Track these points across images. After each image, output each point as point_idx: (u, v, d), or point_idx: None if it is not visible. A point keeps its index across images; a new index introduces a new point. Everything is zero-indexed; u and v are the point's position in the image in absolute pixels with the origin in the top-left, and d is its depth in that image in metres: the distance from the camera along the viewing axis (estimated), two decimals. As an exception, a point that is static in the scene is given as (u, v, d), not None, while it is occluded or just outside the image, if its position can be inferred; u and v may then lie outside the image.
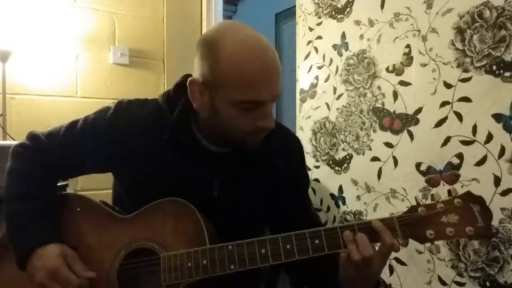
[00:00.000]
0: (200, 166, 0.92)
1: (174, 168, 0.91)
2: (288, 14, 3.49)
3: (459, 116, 1.25)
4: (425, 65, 1.35)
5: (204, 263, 0.80)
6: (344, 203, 1.63)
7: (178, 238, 0.85)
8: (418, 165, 1.36)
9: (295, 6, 1.90)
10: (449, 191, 0.78)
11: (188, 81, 0.86)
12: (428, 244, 0.78)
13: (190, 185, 0.90)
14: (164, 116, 0.92)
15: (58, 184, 1.00)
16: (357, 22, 1.58)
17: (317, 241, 0.79)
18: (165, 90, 2.40)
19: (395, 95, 1.44)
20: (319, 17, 1.75)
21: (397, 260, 1.42)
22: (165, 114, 0.92)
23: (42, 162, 0.93)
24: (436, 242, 0.76)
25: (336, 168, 1.66)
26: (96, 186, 1.24)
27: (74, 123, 0.97)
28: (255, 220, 0.98)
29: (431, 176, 1.32)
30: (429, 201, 0.79)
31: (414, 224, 0.77)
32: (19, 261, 0.85)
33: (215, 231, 0.87)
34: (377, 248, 0.79)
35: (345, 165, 1.63)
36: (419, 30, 1.36)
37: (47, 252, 0.84)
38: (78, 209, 0.95)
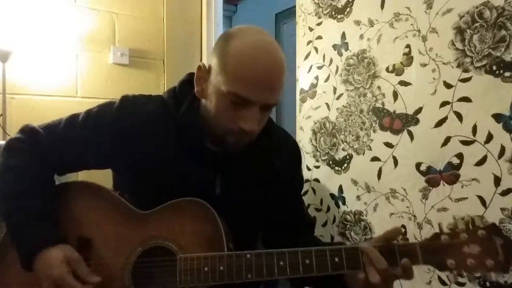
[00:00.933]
0: (203, 163, 0.92)
1: (178, 164, 0.90)
2: (288, 14, 3.49)
3: (459, 116, 1.25)
4: (425, 65, 1.35)
5: (221, 269, 0.79)
6: (344, 203, 1.63)
7: (196, 240, 0.84)
8: (418, 165, 1.36)
9: (295, 6, 1.89)
10: (472, 220, 0.77)
11: (198, 66, 0.88)
12: (446, 273, 0.77)
13: (192, 182, 0.90)
14: (169, 112, 0.92)
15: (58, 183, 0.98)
16: (357, 22, 1.58)
17: (337, 259, 0.78)
18: (165, 90, 2.39)
19: (395, 95, 1.44)
20: (319, 17, 1.75)
21: (397, 260, 1.42)
22: (170, 110, 0.92)
23: (40, 157, 0.91)
24: (455, 272, 0.75)
25: (336, 168, 1.66)
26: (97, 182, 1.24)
27: (75, 116, 0.94)
28: (253, 219, 0.98)
29: (431, 176, 1.32)
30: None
31: (436, 252, 0.76)
32: (23, 263, 0.84)
33: (232, 235, 0.86)
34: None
35: (345, 165, 1.63)
36: (419, 30, 1.36)
37: (50, 258, 0.82)
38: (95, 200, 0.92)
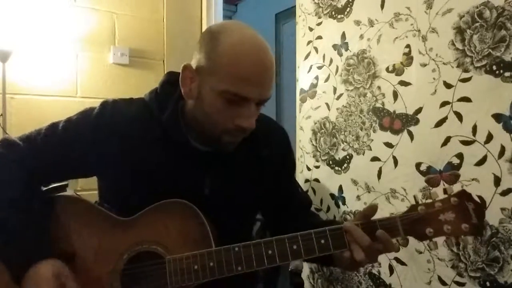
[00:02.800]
0: (190, 165, 0.91)
1: (164, 167, 0.89)
2: (288, 14, 3.49)
3: (459, 116, 1.25)
4: (425, 65, 1.35)
5: (211, 265, 0.80)
6: (344, 203, 1.63)
7: (182, 240, 0.84)
8: (418, 165, 1.36)
9: (295, 6, 1.89)
10: (444, 190, 0.81)
11: (182, 66, 0.86)
12: (426, 241, 0.81)
13: (180, 184, 0.88)
14: (152, 115, 0.90)
15: (58, 184, 0.96)
16: (357, 22, 1.58)
17: (323, 241, 0.80)
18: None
19: (395, 95, 1.44)
20: (319, 17, 1.75)
21: (397, 260, 1.42)
22: (153, 112, 0.90)
23: (22, 170, 0.88)
24: (434, 239, 0.80)
25: (336, 168, 1.66)
26: (96, 186, 1.23)
27: (54, 125, 0.92)
28: (246, 215, 0.99)
29: (431, 176, 1.32)
30: (429, 200, 0.82)
31: (415, 223, 0.81)
32: (12, 277, 0.81)
33: (216, 232, 0.86)
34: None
35: (345, 165, 1.63)
36: (419, 30, 1.36)
37: (39, 275, 0.79)
38: (74, 213, 0.90)
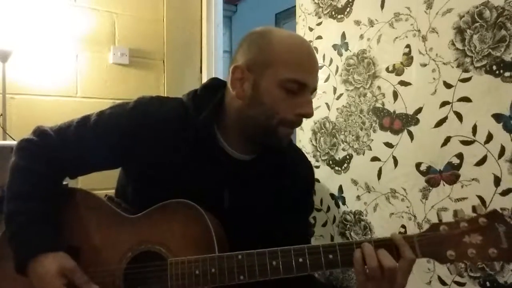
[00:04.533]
0: (215, 171, 0.90)
1: (189, 169, 0.89)
2: (288, 14, 3.49)
3: (459, 116, 1.25)
4: (425, 65, 1.35)
5: (213, 272, 0.78)
6: (344, 203, 1.63)
7: (186, 243, 0.83)
8: (418, 165, 1.36)
9: (295, 6, 1.90)
10: (473, 208, 0.74)
11: (231, 68, 0.87)
12: (447, 265, 0.75)
13: (201, 192, 0.87)
14: (187, 115, 0.90)
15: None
16: (357, 22, 1.58)
17: (331, 256, 0.76)
18: (165, 90, 2.39)
19: (395, 95, 1.44)
20: (319, 17, 1.75)
21: (397, 260, 1.42)
22: (189, 113, 0.90)
23: (50, 159, 0.89)
24: (456, 263, 0.73)
25: (336, 168, 1.66)
26: (96, 186, 1.23)
27: (87, 118, 0.93)
28: (261, 232, 0.95)
29: (431, 176, 1.32)
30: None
31: (435, 243, 0.73)
32: (17, 267, 0.82)
33: (225, 236, 0.85)
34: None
35: (345, 165, 1.63)
36: (419, 30, 1.36)
37: (43, 268, 0.80)
38: (83, 206, 0.91)
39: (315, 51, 0.90)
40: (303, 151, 1.14)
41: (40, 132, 0.92)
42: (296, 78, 0.83)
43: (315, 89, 0.88)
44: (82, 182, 1.90)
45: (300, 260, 0.77)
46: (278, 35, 0.86)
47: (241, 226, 0.88)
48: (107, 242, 0.87)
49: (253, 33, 0.89)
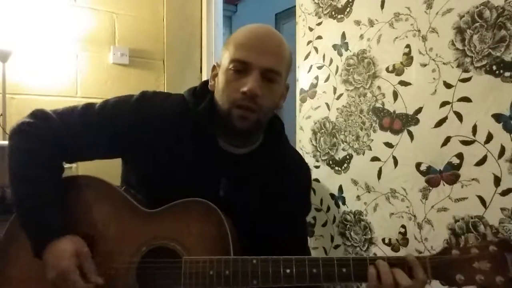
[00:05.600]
0: (212, 163, 0.92)
1: (188, 161, 0.91)
2: (288, 14, 3.49)
3: (459, 116, 1.25)
4: (425, 65, 1.35)
5: (227, 274, 0.79)
6: (344, 203, 1.63)
7: (202, 242, 0.83)
8: (418, 165, 1.36)
9: (295, 6, 1.89)
10: (484, 235, 0.77)
11: (212, 66, 0.95)
12: None
13: (199, 181, 0.90)
14: (188, 110, 0.93)
15: None
16: (357, 22, 1.58)
17: (344, 270, 0.77)
18: (165, 90, 2.39)
19: (395, 95, 1.44)
20: (319, 17, 1.75)
21: (397, 260, 1.42)
22: (190, 107, 0.93)
23: (53, 143, 0.89)
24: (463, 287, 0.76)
25: (336, 168, 1.66)
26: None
27: (91, 105, 0.94)
28: (254, 224, 0.96)
29: (431, 176, 1.32)
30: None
31: (445, 266, 0.76)
32: (34, 250, 0.84)
33: (238, 241, 0.86)
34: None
35: (345, 165, 1.63)
36: (419, 30, 1.36)
37: (61, 250, 0.82)
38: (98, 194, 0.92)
39: (272, 36, 0.91)
40: (303, 151, 1.15)
41: (41, 115, 0.92)
42: (237, 58, 0.86)
43: (268, 69, 0.87)
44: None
45: (314, 270, 0.78)
46: (241, 28, 0.92)
47: (235, 216, 0.89)
48: (122, 234, 0.88)
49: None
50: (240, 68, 0.86)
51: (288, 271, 0.78)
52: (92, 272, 0.83)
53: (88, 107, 0.94)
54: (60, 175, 0.92)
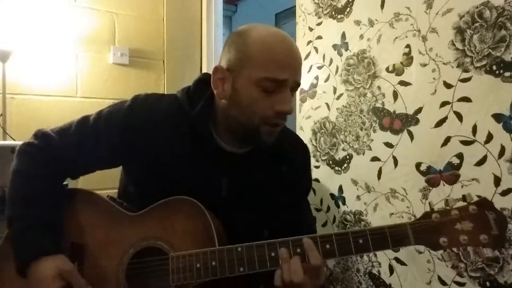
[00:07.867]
0: (212, 164, 0.92)
1: (187, 162, 0.91)
2: (288, 14, 3.49)
3: (459, 116, 1.25)
4: (425, 65, 1.35)
5: (213, 264, 0.80)
6: (344, 203, 1.63)
7: (187, 238, 0.84)
8: (418, 165, 1.36)
9: (295, 6, 1.89)
10: (464, 197, 0.76)
11: (213, 69, 0.88)
12: (440, 251, 0.77)
13: (199, 182, 0.90)
14: (182, 110, 0.92)
15: None
16: (357, 22, 1.58)
17: (328, 246, 0.78)
18: (165, 90, 2.39)
19: (395, 95, 1.44)
20: (319, 17, 1.75)
21: (397, 260, 1.42)
22: (184, 108, 0.92)
23: (53, 161, 0.90)
24: (449, 250, 0.75)
25: (336, 168, 1.66)
26: (96, 186, 1.23)
27: (86, 118, 0.95)
28: (260, 220, 0.98)
29: (431, 176, 1.32)
30: (437, 204, 0.77)
31: (428, 231, 0.75)
32: (18, 269, 0.84)
33: (224, 232, 0.87)
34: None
35: (345, 165, 1.63)
36: (419, 30, 1.36)
37: (41, 271, 0.81)
38: (85, 205, 0.92)
39: (295, 46, 0.88)
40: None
41: (41, 135, 0.93)
42: (270, 77, 0.82)
43: (297, 84, 0.87)
44: (82, 183, 1.90)
45: (298, 250, 0.78)
46: (255, 34, 0.86)
47: (239, 213, 0.90)
48: (110, 240, 0.88)
49: (234, 33, 0.90)
50: (273, 86, 0.83)
51: (273, 254, 0.78)
52: (82, 284, 0.83)
53: (83, 121, 0.94)
54: (57, 194, 0.91)
